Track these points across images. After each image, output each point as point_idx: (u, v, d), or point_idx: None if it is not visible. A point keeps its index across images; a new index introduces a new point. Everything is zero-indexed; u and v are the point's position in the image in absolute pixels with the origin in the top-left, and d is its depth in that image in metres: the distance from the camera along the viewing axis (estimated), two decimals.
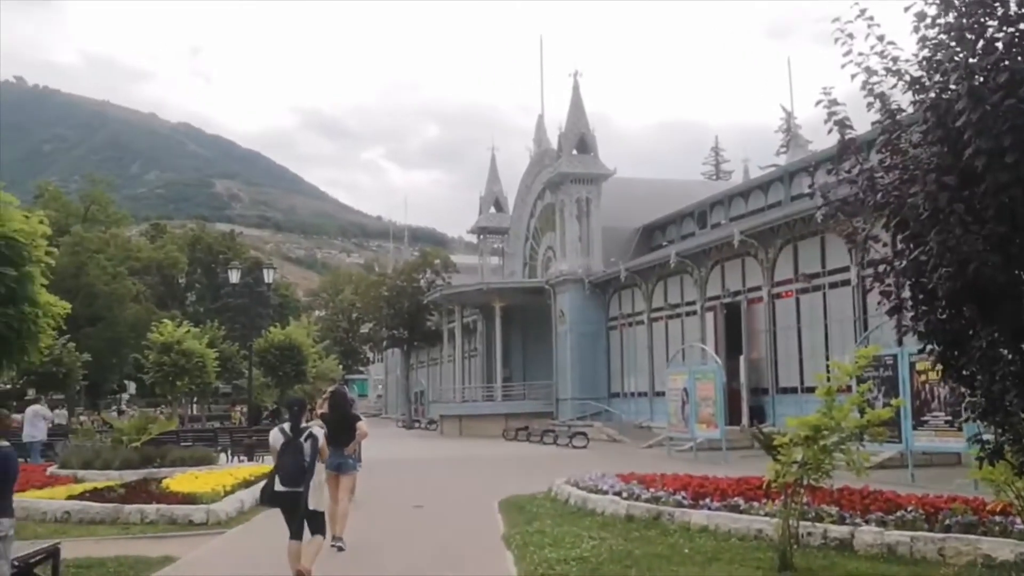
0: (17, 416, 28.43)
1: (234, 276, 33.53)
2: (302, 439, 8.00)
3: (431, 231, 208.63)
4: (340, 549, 9.86)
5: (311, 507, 7.96)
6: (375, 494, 15.08)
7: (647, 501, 11.31)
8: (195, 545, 10.63)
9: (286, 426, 8.16)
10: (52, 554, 8.00)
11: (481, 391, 42.57)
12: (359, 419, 10.78)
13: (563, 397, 36.55)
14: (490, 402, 39.93)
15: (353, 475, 10.59)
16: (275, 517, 8.48)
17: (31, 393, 35.84)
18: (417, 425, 50.26)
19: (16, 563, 7.22)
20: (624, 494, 11.81)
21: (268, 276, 33.26)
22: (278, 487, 7.96)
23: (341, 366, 60.88)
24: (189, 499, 12.53)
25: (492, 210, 49.16)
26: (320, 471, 8.22)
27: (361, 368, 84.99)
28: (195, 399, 45.18)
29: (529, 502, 13.40)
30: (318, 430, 8.23)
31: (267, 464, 17.88)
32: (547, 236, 41.93)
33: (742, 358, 27.05)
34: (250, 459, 20.89)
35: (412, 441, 36.50)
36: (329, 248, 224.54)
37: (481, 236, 50.04)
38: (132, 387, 61.69)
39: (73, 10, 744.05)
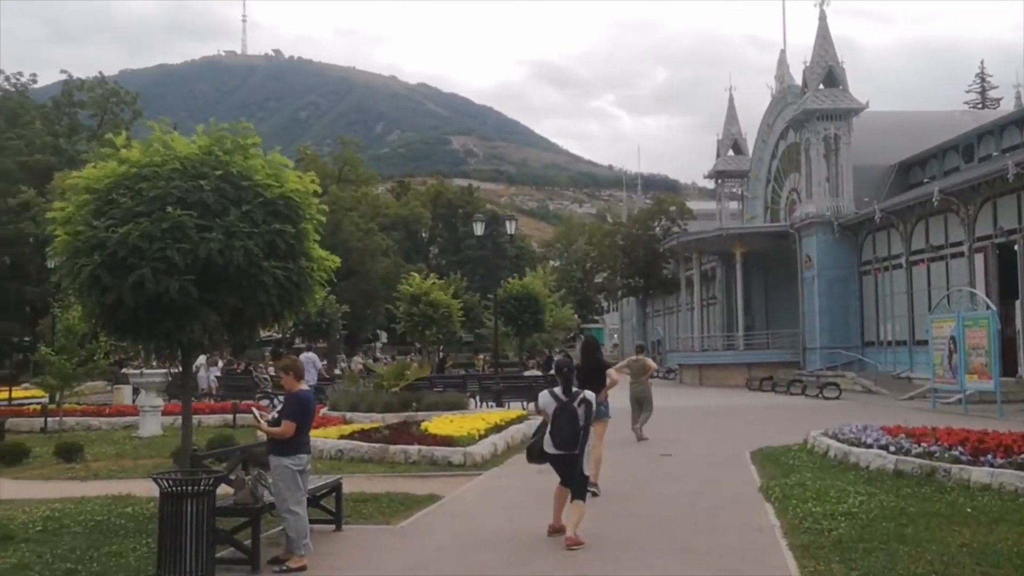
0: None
1: (478, 228, 34.73)
2: (575, 403, 7.89)
3: (664, 178, 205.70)
4: (595, 494, 9.93)
5: (587, 472, 7.95)
6: (620, 442, 15.14)
7: (918, 456, 10.53)
8: (456, 485, 11.13)
9: (557, 389, 8.03)
10: (335, 488, 8.65)
11: (722, 340, 41.62)
12: (609, 366, 10.78)
13: (811, 346, 34.93)
14: (732, 351, 38.97)
15: (605, 422, 10.61)
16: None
17: (298, 341, 39.20)
18: (655, 374, 50.02)
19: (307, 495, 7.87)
20: (891, 448, 11.05)
21: (510, 228, 34.05)
22: (551, 449, 7.90)
23: (576, 315, 61.74)
24: (447, 441, 13.13)
25: (730, 153, 47.41)
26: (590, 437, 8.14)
27: (596, 317, 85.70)
28: (441, 347, 47.44)
29: (784, 454, 12.93)
30: (591, 394, 8.08)
31: (515, 410, 18.52)
32: (791, 177, 39.96)
33: (1018, 303, 24.52)
34: (499, 405, 21.62)
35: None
36: (561, 199, 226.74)
37: (718, 180, 48.46)
38: (384, 336, 65.99)
39: None
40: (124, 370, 23.29)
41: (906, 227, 30.80)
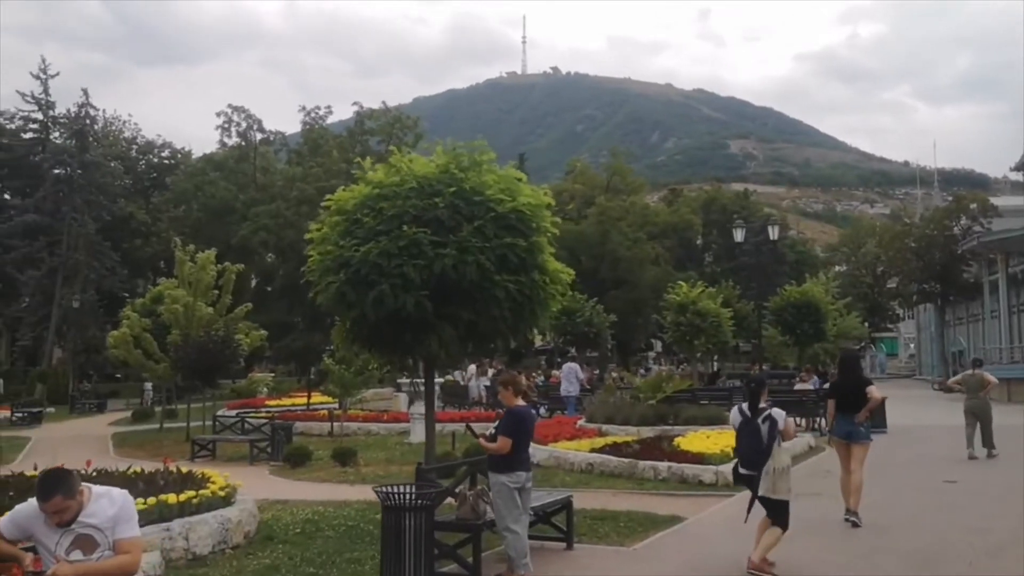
0: (556, 372, 31.79)
1: (739, 235, 33.16)
2: (759, 420, 7.45)
3: (967, 172, 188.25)
4: (855, 524, 9.09)
5: (761, 493, 7.29)
6: (901, 465, 13.74)
7: None
8: (703, 506, 10.59)
9: (744, 405, 7.72)
10: (566, 505, 8.47)
11: None
12: (870, 383, 9.73)
13: None
14: None
15: (865, 445, 9.59)
16: None
17: (572, 351, 39.77)
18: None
19: (535, 512, 7.76)
20: None
21: (773, 233, 32.55)
22: (740, 469, 7.68)
23: (865, 323, 57.64)
24: (698, 459, 12.56)
25: None
26: (777, 455, 7.36)
27: (890, 326, 79.68)
28: (715, 357, 46.08)
29: None
30: (778, 412, 7.54)
31: None
32: None
33: None
34: None
35: (948, 406, 32.80)
36: (849, 200, 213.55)
37: None
38: (658, 345, 65.32)
39: None
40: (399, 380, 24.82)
41: None
